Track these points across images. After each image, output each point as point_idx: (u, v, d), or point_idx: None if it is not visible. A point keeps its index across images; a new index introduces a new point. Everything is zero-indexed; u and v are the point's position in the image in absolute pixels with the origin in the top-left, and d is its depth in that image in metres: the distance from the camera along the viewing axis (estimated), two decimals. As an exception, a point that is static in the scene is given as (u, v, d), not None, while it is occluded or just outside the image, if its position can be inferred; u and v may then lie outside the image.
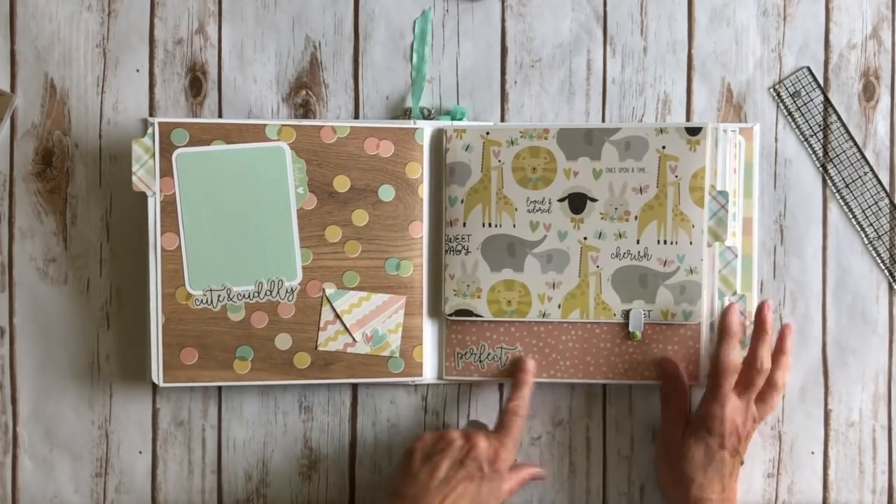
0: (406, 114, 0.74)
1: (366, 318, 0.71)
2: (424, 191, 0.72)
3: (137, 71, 0.74)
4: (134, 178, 0.70)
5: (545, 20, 0.74)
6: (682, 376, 0.70)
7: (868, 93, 0.74)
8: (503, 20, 0.74)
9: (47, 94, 0.74)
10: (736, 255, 0.70)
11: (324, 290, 0.71)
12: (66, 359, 0.74)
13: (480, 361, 0.72)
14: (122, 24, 0.74)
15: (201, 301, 0.70)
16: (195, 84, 0.75)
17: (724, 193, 0.69)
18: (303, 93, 0.75)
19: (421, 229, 0.72)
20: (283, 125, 0.70)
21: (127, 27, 0.74)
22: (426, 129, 0.72)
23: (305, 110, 0.74)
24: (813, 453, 0.74)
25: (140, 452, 0.74)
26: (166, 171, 0.70)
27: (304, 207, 0.71)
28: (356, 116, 0.74)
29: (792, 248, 0.74)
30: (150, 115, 0.74)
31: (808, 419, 0.74)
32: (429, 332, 0.72)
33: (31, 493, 0.74)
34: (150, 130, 0.70)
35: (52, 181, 0.74)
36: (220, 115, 0.74)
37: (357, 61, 0.75)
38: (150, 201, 0.70)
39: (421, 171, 0.71)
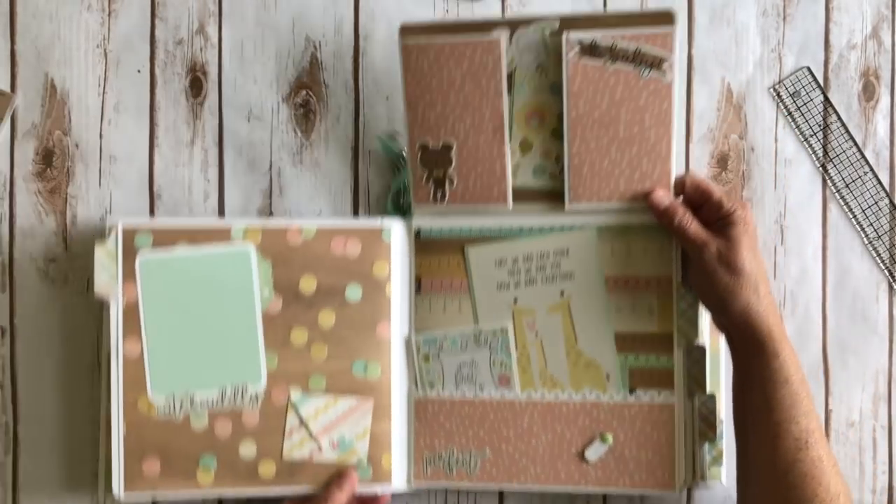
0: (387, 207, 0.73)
1: (332, 424, 0.69)
2: (392, 289, 0.70)
3: (139, 71, 0.74)
4: (96, 285, 0.67)
5: (545, 20, 0.74)
6: (666, 199, 0.67)
7: (868, 93, 0.74)
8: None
9: (47, 94, 0.74)
10: (705, 354, 0.68)
11: (289, 395, 0.69)
12: (67, 359, 0.74)
13: (450, 467, 0.70)
14: (123, 25, 0.74)
15: (163, 409, 0.68)
16: (195, 84, 0.75)
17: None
18: (303, 93, 0.75)
19: (388, 329, 0.69)
20: (249, 227, 0.69)
21: (127, 27, 0.74)
22: (393, 227, 0.70)
23: (305, 110, 0.74)
24: (813, 453, 0.74)
25: None
26: (129, 277, 0.68)
27: (270, 310, 0.69)
28: (356, 116, 0.74)
29: (792, 248, 0.74)
30: (151, 114, 0.74)
31: (808, 419, 0.74)
32: (397, 435, 0.70)
33: (31, 493, 0.74)
34: (112, 235, 0.68)
35: (53, 181, 0.74)
36: (220, 115, 0.74)
37: (357, 61, 0.75)
38: (112, 307, 0.68)
39: (388, 270, 0.70)
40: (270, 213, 0.75)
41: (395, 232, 0.70)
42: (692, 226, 0.65)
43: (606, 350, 0.69)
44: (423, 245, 0.71)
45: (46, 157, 0.74)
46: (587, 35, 0.65)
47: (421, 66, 0.67)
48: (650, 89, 0.65)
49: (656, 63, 0.65)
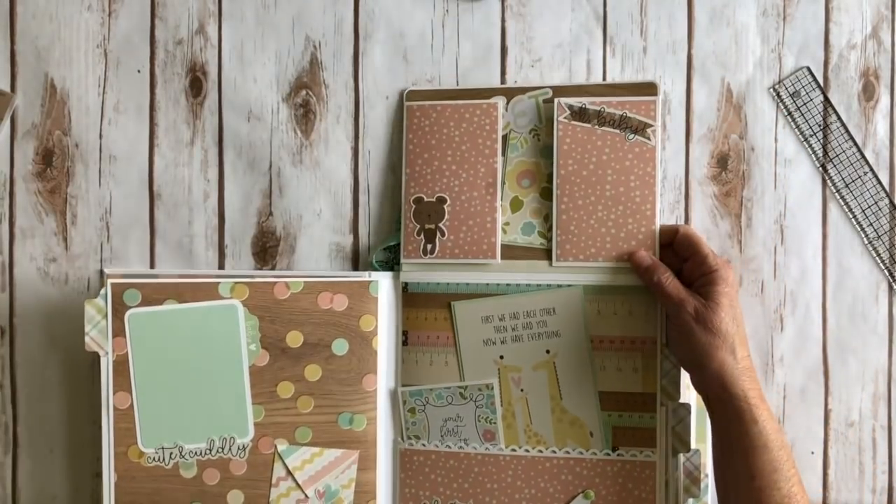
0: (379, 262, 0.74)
1: (318, 475, 0.70)
2: (379, 343, 0.71)
3: (138, 71, 0.75)
4: (87, 339, 0.69)
5: (545, 20, 0.74)
6: (649, 259, 0.69)
7: (868, 93, 0.74)
8: (503, 20, 0.74)
9: (47, 94, 0.74)
10: (689, 412, 0.69)
11: (275, 446, 0.70)
12: (67, 359, 0.74)
13: None
14: (123, 25, 0.74)
15: (153, 459, 0.70)
16: (195, 84, 0.75)
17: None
18: (303, 93, 0.75)
19: (374, 382, 0.70)
20: (237, 283, 0.70)
21: (127, 27, 0.74)
22: (381, 281, 0.71)
23: (305, 110, 0.75)
24: (813, 453, 0.74)
25: None
26: (119, 332, 0.69)
27: (257, 364, 0.70)
28: (356, 117, 0.74)
29: (792, 248, 0.74)
30: (151, 114, 0.74)
31: (808, 419, 0.74)
32: (383, 485, 0.71)
33: (31, 493, 0.74)
34: (103, 291, 0.69)
35: (52, 181, 0.74)
36: (220, 115, 0.74)
37: (357, 61, 0.75)
38: (103, 361, 0.69)
39: (375, 324, 0.70)
40: (270, 214, 0.75)
41: (383, 286, 0.71)
42: (671, 283, 0.67)
43: (590, 408, 0.70)
44: (410, 299, 0.72)
45: (46, 157, 0.74)
46: (577, 101, 0.70)
47: (423, 126, 0.71)
48: (635, 152, 0.69)
49: (641, 128, 0.69)
